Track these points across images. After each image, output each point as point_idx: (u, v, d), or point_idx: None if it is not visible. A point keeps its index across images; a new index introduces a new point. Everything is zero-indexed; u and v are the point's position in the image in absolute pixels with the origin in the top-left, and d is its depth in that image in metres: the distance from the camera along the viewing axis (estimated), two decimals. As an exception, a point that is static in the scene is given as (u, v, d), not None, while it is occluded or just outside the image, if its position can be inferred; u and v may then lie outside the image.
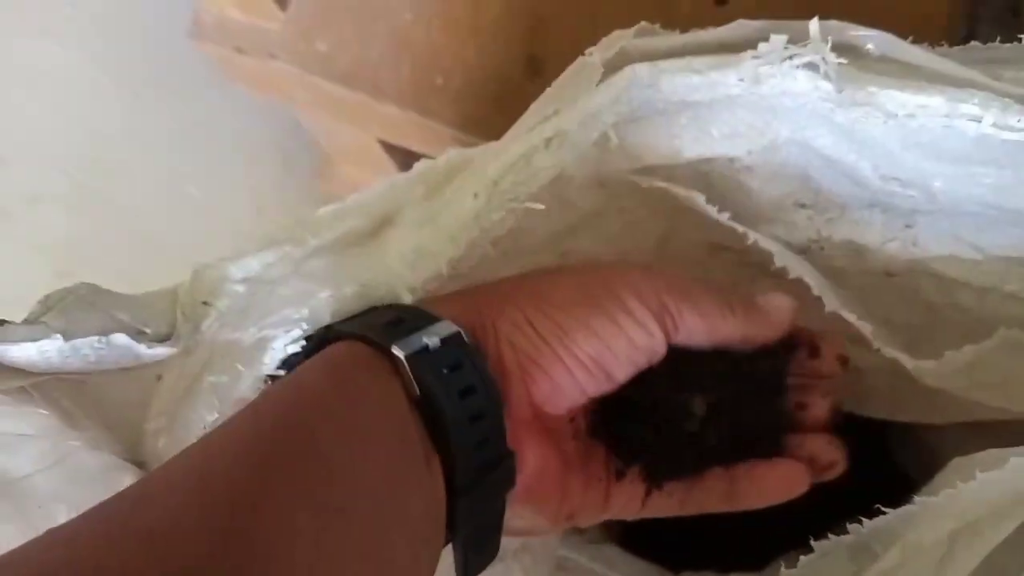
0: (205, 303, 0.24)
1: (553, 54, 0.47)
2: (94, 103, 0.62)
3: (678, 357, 0.28)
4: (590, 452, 0.29)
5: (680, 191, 0.30)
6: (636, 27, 0.28)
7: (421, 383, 0.24)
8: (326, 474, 0.20)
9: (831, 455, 0.30)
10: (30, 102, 0.59)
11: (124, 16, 0.62)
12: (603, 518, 0.29)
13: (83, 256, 0.64)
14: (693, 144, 0.29)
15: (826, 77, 0.25)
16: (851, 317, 0.28)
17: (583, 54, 0.28)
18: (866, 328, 0.28)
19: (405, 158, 0.69)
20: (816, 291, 0.29)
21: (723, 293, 0.29)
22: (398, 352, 0.23)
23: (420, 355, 0.24)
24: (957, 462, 0.25)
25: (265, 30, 0.51)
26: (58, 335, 0.22)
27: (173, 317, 0.24)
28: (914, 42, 0.28)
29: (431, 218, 0.27)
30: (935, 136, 0.26)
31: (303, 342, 0.25)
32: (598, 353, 0.26)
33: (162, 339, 0.24)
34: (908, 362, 0.28)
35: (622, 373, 0.27)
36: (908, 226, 0.30)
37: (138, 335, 0.23)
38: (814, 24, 0.25)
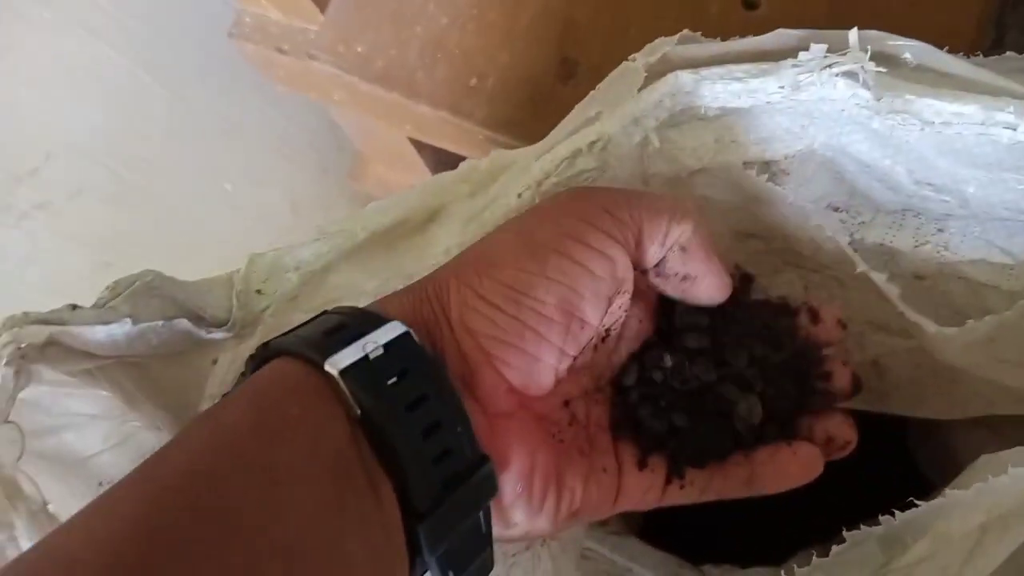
0: (259, 291, 0.25)
1: (585, 57, 0.48)
2: (137, 101, 0.63)
3: (712, 336, 0.28)
4: (593, 441, 0.27)
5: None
6: (679, 34, 0.29)
7: (360, 400, 0.21)
8: (232, 535, 0.18)
9: (848, 434, 0.29)
10: (75, 99, 0.61)
11: (167, 17, 0.63)
12: (614, 512, 0.27)
13: (123, 248, 0.66)
14: (731, 148, 0.30)
15: (864, 85, 0.26)
16: (879, 278, 0.28)
17: (627, 59, 0.28)
18: (892, 291, 0.28)
19: (435, 156, 0.70)
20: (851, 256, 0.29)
21: (668, 196, 0.27)
22: (331, 369, 0.21)
23: (358, 368, 0.21)
24: (986, 458, 0.26)
25: (305, 31, 0.52)
26: (127, 319, 0.23)
27: (229, 303, 0.25)
28: (947, 51, 0.28)
29: (476, 215, 0.28)
30: (969, 143, 0.26)
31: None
32: (562, 300, 0.24)
33: (219, 324, 0.25)
34: (930, 326, 0.28)
35: (595, 314, 0.25)
36: (940, 230, 0.31)
37: (197, 320, 0.24)
38: (853, 34, 0.26)
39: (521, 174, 0.27)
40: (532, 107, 0.48)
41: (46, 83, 0.59)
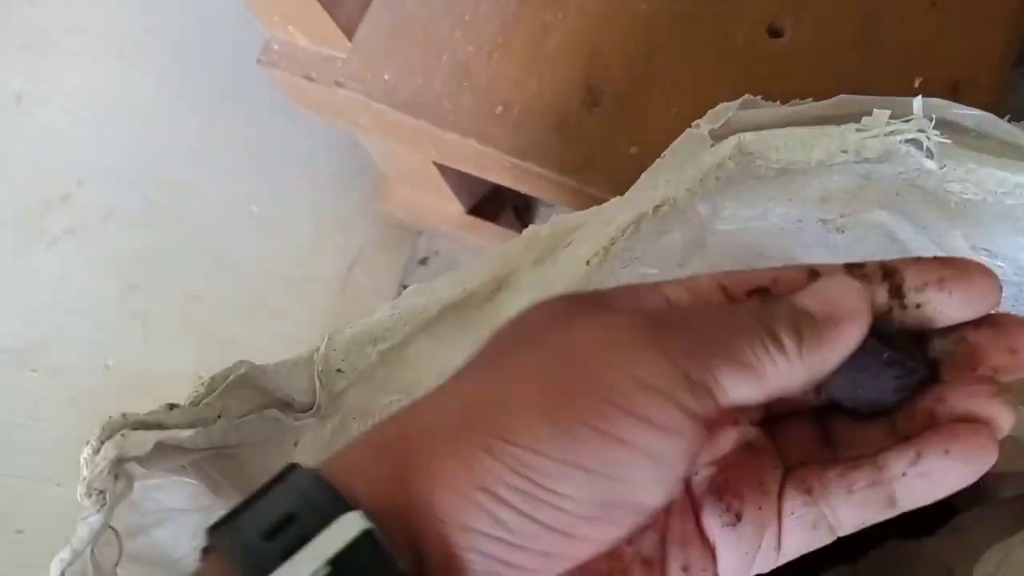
0: (339, 370, 0.26)
1: (611, 85, 0.48)
2: (167, 126, 0.64)
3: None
4: (686, 539, 0.22)
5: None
6: (741, 99, 0.29)
7: None
8: None
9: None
10: (106, 124, 0.62)
11: (197, 44, 0.64)
12: None
13: (151, 270, 0.67)
14: (785, 205, 0.30)
15: (928, 153, 0.26)
16: None
17: (691, 126, 0.29)
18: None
19: (459, 179, 0.70)
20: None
21: (756, 318, 0.20)
22: None
23: None
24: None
25: (332, 59, 0.53)
26: (223, 416, 0.23)
27: (312, 384, 0.25)
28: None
29: (543, 282, 0.28)
30: (1030, 213, 0.27)
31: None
32: (600, 495, 0.18)
33: (305, 409, 0.25)
34: None
35: (656, 495, 0.19)
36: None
37: (285, 407, 0.24)
38: (918, 102, 0.26)
39: (588, 241, 0.28)
40: (558, 134, 0.48)
41: (79, 110, 0.60)
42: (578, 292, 0.23)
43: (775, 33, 0.47)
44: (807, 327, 0.20)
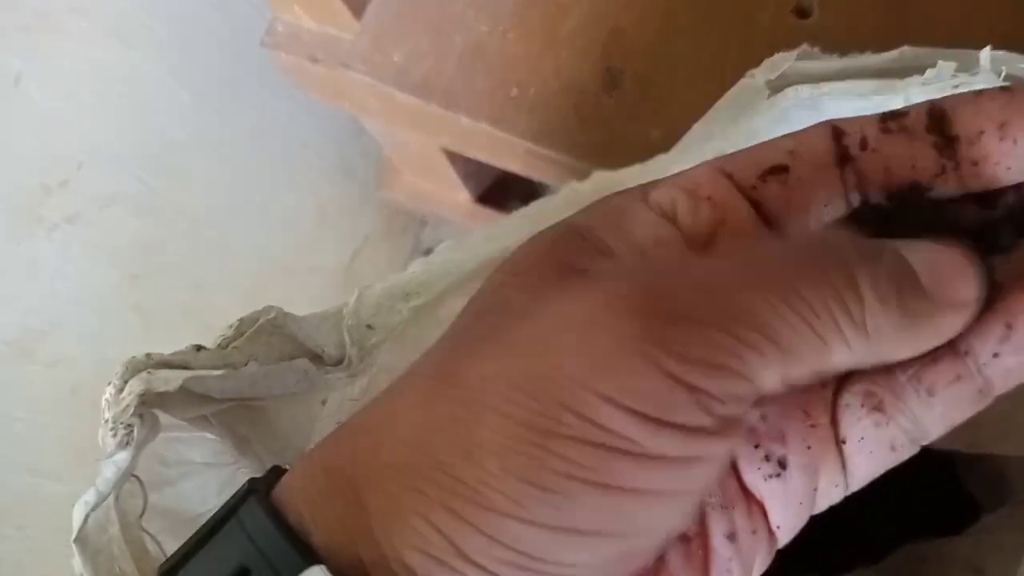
0: (369, 326, 0.24)
1: (631, 66, 0.47)
2: (167, 110, 0.63)
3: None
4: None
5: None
6: (798, 50, 0.28)
7: None
8: None
9: None
10: (105, 108, 0.60)
11: (199, 26, 0.63)
12: None
13: (152, 257, 0.65)
14: None
15: None
16: None
17: (745, 75, 0.28)
18: None
19: (467, 167, 0.69)
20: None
21: (817, 261, 0.15)
22: None
23: None
24: None
25: (339, 40, 0.51)
26: (252, 361, 0.22)
27: (341, 339, 0.24)
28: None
29: None
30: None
31: None
32: (621, 550, 0.15)
33: (335, 363, 0.24)
34: None
35: (681, 526, 0.16)
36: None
37: (316, 359, 0.23)
38: (985, 54, 0.25)
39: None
40: (576, 118, 0.47)
41: (79, 93, 0.59)
42: (555, 231, 0.17)
43: (802, 13, 0.46)
44: (911, 294, 0.15)
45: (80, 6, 0.56)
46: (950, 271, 0.16)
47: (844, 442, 0.17)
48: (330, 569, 0.14)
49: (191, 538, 0.17)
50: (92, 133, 0.60)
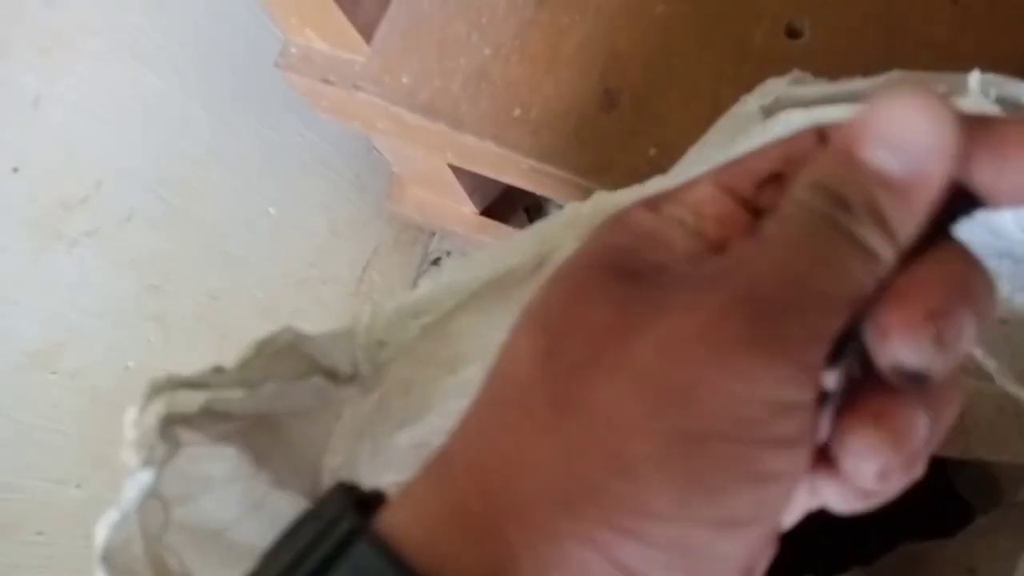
0: (381, 342, 0.25)
1: (628, 87, 0.48)
2: (183, 127, 0.65)
3: None
4: None
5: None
6: (790, 75, 0.29)
7: None
8: None
9: None
10: (123, 126, 0.62)
11: (214, 46, 0.65)
12: None
13: (169, 271, 0.67)
14: None
15: None
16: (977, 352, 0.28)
17: (740, 101, 0.29)
18: (990, 365, 0.28)
19: (473, 181, 0.70)
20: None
21: (816, 233, 0.16)
22: None
23: None
24: None
25: (350, 62, 0.53)
26: (270, 380, 0.23)
27: (353, 356, 0.25)
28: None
29: None
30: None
31: None
32: (764, 537, 0.16)
33: (348, 379, 0.25)
34: (991, 367, 0.28)
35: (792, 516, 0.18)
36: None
37: (330, 377, 0.24)
38: (975, 78, 0.26)
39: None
40: (576, 137, 0.48)
41: (96, 111, 0.60)
42: (597, 249, 0.18)
43: (794, 34, 0.47)
44: (887, 203, 0.16)
45: (96, 26, 0.58)
46: (903, 123, 0.16)
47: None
48: None
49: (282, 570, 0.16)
50: (110, 151, 0.62)
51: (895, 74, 0.29)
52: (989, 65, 0.44)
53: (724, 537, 0.15)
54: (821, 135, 0.18)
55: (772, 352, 0.15)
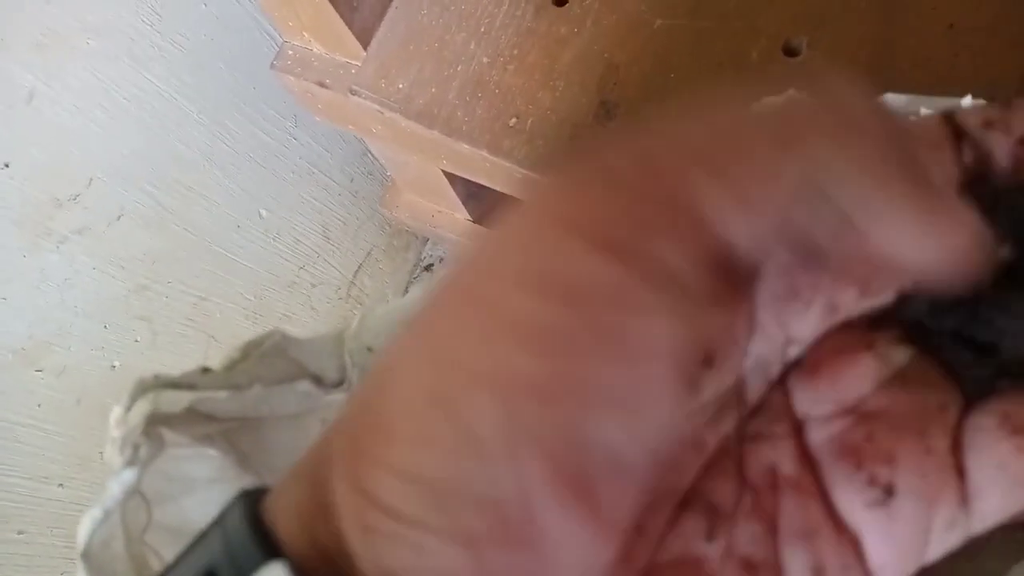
0: (369, 348, 0.25)
1: (625, 100, 0.48)
2: (177, 127, 0.64)
3: None
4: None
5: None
6: (785, 95, 0.29)
7: None
8: None
9: None
10: (117, 125, 0.62)
11: (210, 47, 0.65)
12: None
13: (159, 272, 0.67)
14: None
15: None
16: None
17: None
18: None
19: (467, 187, 0.70)
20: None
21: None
22: None
23: None
24: None
25: (347, 66, 0.53)
26: (257, 383, 0.23)
27: (341, 362, 0.25)
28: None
29: None
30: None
31: None
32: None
33: (335, 384, 0.25)
34: None
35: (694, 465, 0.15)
36: None
37: (317, 381, 0.24)
38: (967, 102, 0.26)
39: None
40: (571, 148, 0.48)
41: (90, 109, 0.60)
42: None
43: (790, 52, 0.47)
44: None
45: (93, 25, 0.58)
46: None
47: (968, 472, 0.14)
48: (292, 565, 0.14)
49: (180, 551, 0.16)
50: (103, 149, 0.62)
51: (888, 97, 0.29)
52: (983, 88, 0.45)
53: (480, 475, 0.13)
54: (948, 118, 0.15)
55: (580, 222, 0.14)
